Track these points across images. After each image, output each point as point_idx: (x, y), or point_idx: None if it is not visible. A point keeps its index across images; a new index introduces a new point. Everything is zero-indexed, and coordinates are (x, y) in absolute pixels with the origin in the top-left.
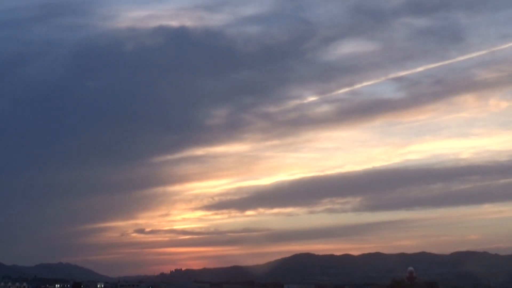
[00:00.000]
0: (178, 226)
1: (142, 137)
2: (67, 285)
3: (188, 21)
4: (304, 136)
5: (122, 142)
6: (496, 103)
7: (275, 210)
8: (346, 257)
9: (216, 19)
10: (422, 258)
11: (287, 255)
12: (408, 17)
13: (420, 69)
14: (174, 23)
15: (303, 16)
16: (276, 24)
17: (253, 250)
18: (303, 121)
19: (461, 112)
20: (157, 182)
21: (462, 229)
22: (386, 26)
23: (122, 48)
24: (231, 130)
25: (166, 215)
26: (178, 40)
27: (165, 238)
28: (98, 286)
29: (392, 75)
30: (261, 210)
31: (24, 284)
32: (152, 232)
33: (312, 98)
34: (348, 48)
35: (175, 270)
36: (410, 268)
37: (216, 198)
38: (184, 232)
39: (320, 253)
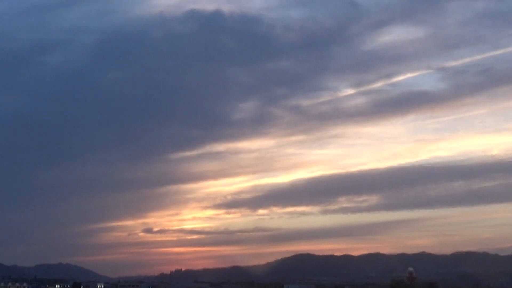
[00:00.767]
0: (188, 226)
1: (163, 132)
2: (67, 286)
3: (224, 4)
4: (332, 131)
5: (141, 138)
6: None
7: (289, 209)
8: (346, 257)
9: (255, 2)
10: (422, 258)
11: (287, 255)
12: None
13: (467, 59)
14: (210, 6)
15: None
16: (321, 8)
17: (253, 250)
18: (333, 115)
19: (501, 103)
20: (172, 180)
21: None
22: (439, 9)
23: (150, 35)
24: (257, 124)
25: (176, 214)
26: (211, 26)
27: (173, 238)
28: (98, 286)
29: (435, 65)
30: (274, 209)
31: (24, 284)
32: (160, 231)
33: (347, 90)
34: (395, 34)
35: (175, 270)
36: (410, 268)
37: (229, 197)
38: (193, 231)
39: (320, 253)
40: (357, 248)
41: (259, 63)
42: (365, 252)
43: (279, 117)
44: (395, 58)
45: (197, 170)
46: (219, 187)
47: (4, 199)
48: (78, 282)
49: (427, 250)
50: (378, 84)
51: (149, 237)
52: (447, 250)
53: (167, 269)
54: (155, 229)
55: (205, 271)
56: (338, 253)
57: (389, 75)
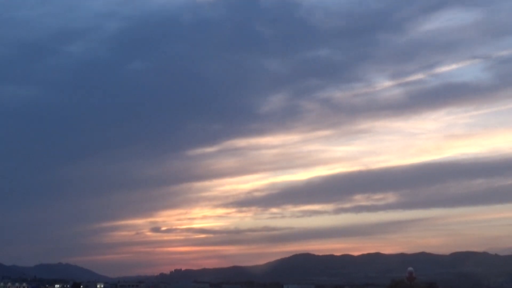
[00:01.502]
0: (197, 225)
1: (183, 126)
2: (66, 286)
3: None
4: (360, 126)
5: (160, 133)
6: None
7: (301, 208)
8: (346, 257)
9: None
10: (422, 258)
11: (287, 255)
12: None
13: None
14: None
15: None
16: None
17: (253, 250)
18: (364, 108)
19: None
20: (187, 178)
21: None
22: None
23: (179, 22)
24: (283, 118)
25: (186, 212)
26: (245, 11)
27: (179, 237)
28: (98, 286)
29: (481, 54)
30: (286, 207)
31: (24, 284)
32: (168, 231)
33: (383, 81)
34: (443, 20)
35: (174, 270)
36: (410, 268)
37: (242, 196)
38: (201, 231)
39: (320, 253)
40: (358, 248)
41: (293, 52)
42: (365, 252)
43: (308, 111)
44: (440, 47)
45: (214, 167)
46: (234, 184)
47: (6, 198)
48: (78, 282)
49: (427, 250)
50: (417, 76)
51: (156, 236)
52: (447, 250)
53: (168, 269)
54: (163, 228)
55: (204, 271)
56: (338, 253)
57: (431, 65)
